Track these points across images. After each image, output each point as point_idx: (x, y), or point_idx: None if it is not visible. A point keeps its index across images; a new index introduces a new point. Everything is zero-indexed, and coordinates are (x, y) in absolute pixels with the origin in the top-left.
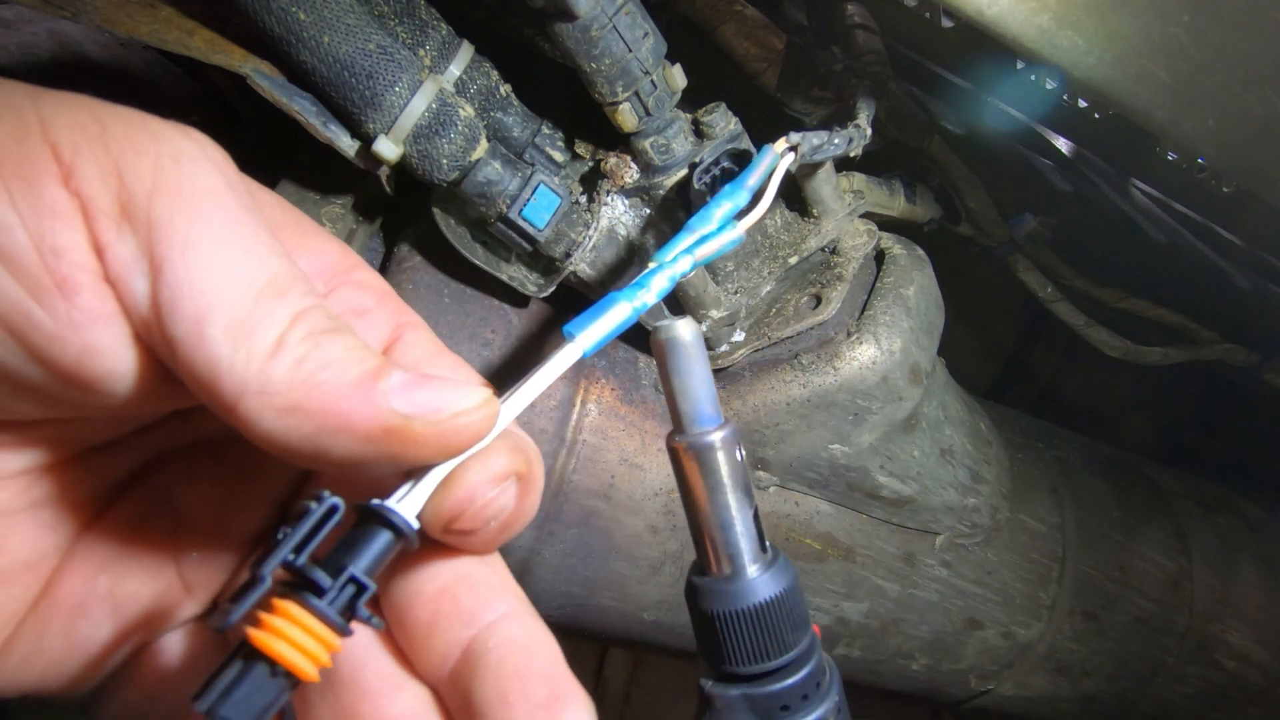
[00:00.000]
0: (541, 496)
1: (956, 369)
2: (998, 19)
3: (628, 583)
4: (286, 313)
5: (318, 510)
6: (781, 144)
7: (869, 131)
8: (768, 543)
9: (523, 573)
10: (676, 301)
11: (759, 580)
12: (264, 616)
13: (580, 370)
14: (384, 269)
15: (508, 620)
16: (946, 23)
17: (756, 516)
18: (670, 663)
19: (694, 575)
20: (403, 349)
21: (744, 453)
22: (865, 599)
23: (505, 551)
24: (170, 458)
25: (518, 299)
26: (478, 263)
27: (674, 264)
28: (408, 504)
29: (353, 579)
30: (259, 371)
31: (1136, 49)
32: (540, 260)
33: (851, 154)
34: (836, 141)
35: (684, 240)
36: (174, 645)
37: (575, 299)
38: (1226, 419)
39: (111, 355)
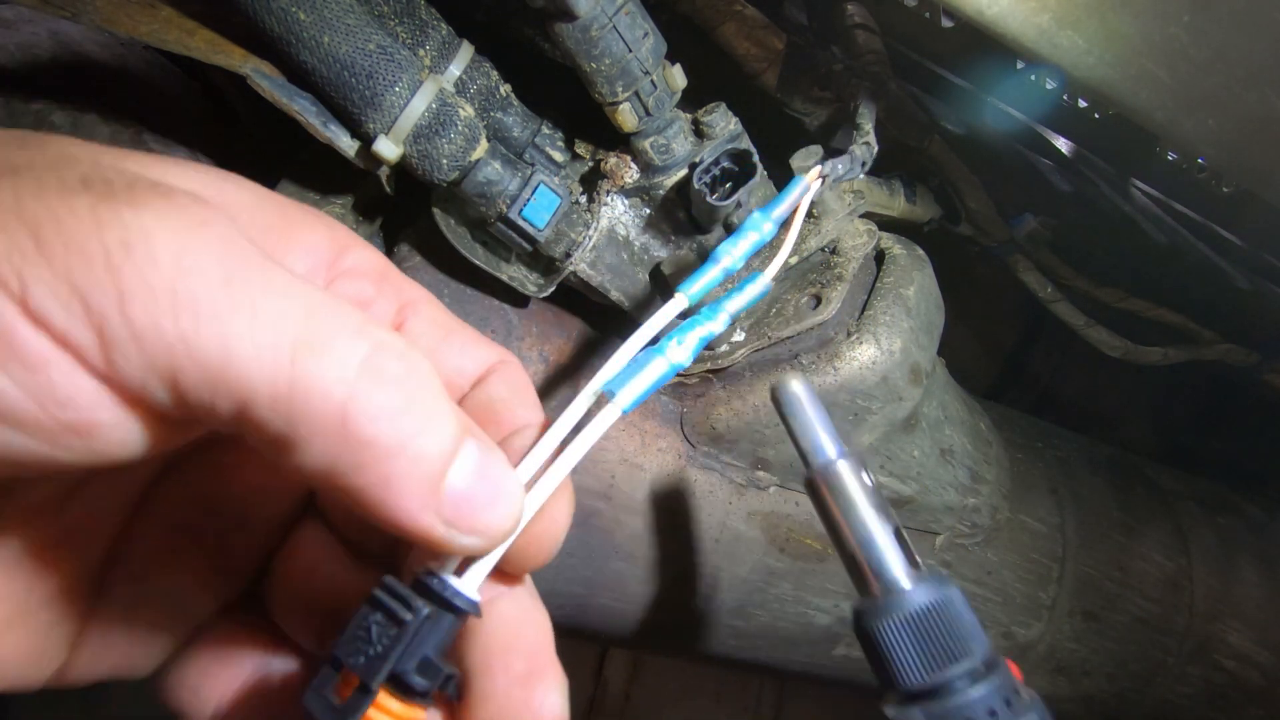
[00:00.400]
0: None
1: (956, 369)
2: (998, 19)
3: (628, 582)
4: (337, 370)
5: (414, 623)
6: (814, 174)
7: (875, 146)
8: (921, 561)
9: None
10: None
11: (914, 591)
12: (373, 716)
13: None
14: None
15: (505, 598)
16: (946, 23)
17: (900, 533)
18: (670, 663)
19: (855, 604)
20: (412, 337)
21: (873, 478)
22: None
23: None
24: (196, 454)
25: (518, 299)
26: (478, 263)
27: (712, 319)
28: (469, 580)
29: (447, 676)
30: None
31: (1136, 49)
32: (540, 260)
33: (865, 172)
34: (857, 166)
35: (709, 272)
36: (217, 632)
37: (575, 299)
38: (1226, 419)
39: (131, 444)
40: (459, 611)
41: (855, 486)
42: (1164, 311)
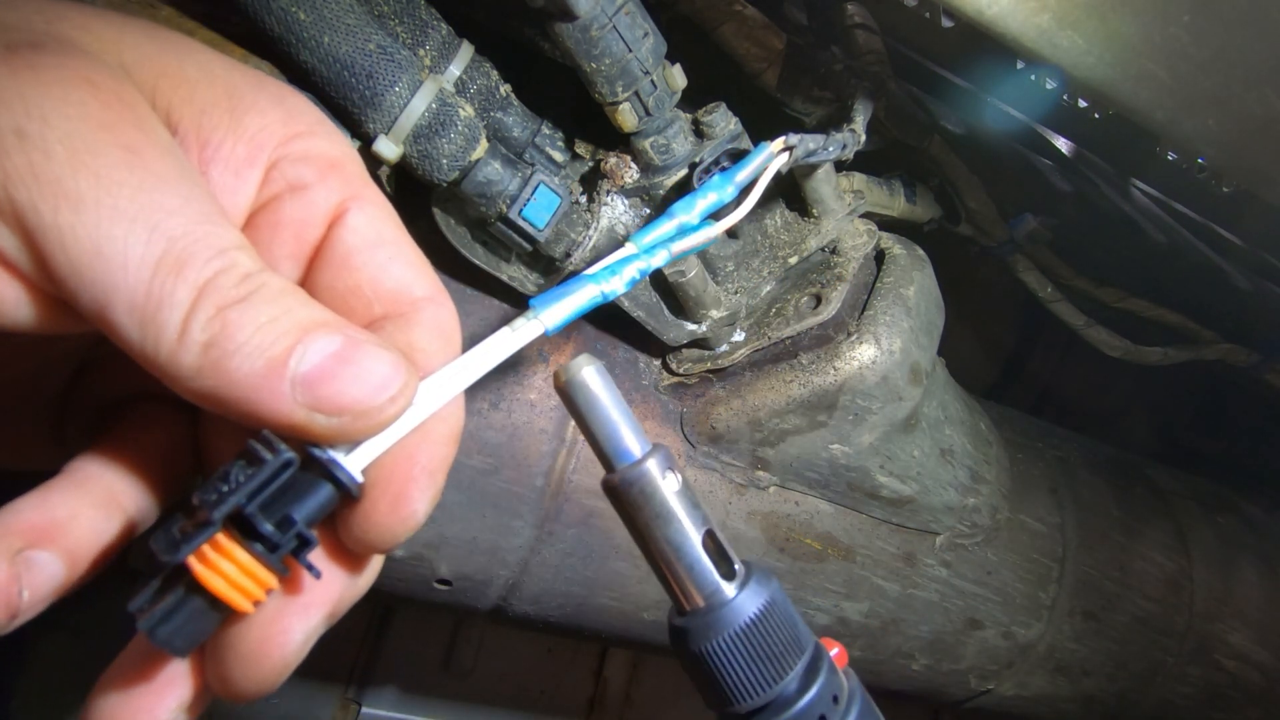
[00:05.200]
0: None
1: (956, 369)
2: (998, 19)
3: (628, 582)
4: (187, 292)
5: (273, 463)
6: (778, 144)
7: (863, 136)
8: (736, 562)
9: (522, 572)
10: (676, 301)
11: (738, 600)
12: (210, 555)
13: None
14: None
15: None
16: (946, 23)
17: (712, 536)
18: (670, 663)
19: (672, 619)
20: (343, 233)
21: (681, 476)
22: (865, 599)
23: (504, 552)
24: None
25: (518, 299)
26: (478, 263)
27: (650, 255)
28: (355, 460)
29: (299, 534)
30: (169, 358)
31: (1136, 49)
32: (540, 260)
33: (844, 158)
34: (831, 147)
35: (663, 226)
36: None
37: None
38: (1227, 419)
39: (18, 308)
40: (337, 484)
41: (663, 493)
42: (1164, 311)
